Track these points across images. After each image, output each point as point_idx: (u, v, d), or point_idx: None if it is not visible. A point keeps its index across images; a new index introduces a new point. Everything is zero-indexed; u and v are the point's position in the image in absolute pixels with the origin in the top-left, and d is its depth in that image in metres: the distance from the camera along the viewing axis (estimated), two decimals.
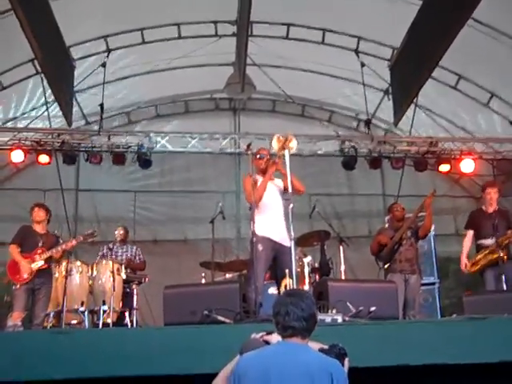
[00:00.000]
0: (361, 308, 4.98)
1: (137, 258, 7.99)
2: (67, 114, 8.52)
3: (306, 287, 7.09)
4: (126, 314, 7.09)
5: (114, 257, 7.53)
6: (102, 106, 8.74)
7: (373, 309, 5.00)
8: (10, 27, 6.74)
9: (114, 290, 6.73)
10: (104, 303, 6.72)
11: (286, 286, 5.42)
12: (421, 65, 7.52)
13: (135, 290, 7.36)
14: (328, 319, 4.72)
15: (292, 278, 5.26)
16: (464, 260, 6.83)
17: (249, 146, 5.97)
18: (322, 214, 7.84)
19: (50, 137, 9.04)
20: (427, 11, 7.04)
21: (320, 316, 4.37)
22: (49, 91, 8.28)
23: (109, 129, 9.74)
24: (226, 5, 8.20)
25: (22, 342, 3.20)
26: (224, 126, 10.78)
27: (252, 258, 5.46)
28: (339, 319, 4.74)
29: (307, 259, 7.58)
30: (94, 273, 6.98)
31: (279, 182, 5.89)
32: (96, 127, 9.20)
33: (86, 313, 6.66)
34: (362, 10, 8.21)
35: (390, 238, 7.05)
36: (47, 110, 8.90)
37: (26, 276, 6.45)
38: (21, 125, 9.54)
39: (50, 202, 9.54)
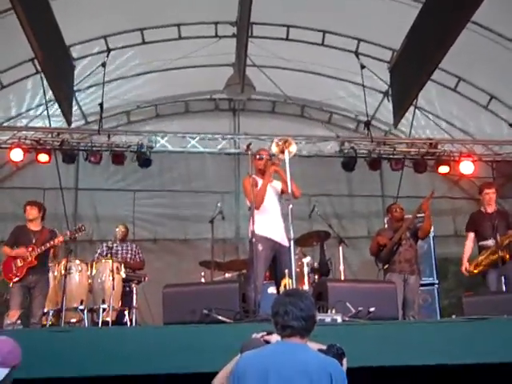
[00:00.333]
0: (360, 308, 4.99)
1: (136, 256, 8.01)
2: (67, 113, 8.52)
3: (306, 287, 7.11)
4: (126, 312, 7.11)
5: (115, 253, 7.53)
6: (101, 105, 8.73)
7: (372, 309, 5.01)
8: (10, 26, 6.74)
9: (113, 289, 6.74)
10: (103, 302, 6.74)
11: (285, 286, 5.43)
12: (420, 67, 7.53)
13: (134, 289, 7.37)
14: (327, 319, 4.74)
15: (291, 278, 5.27)
16: (465, 263, 6.83)
17: (248, 146, 5.98)
18: (322, 214, 7.86)
19: (49, 136, 9.04)
20: (427, 13, 7.05)
21: (319, 316, 4.39)
22: (49, 91, 8.28)
23: (108, 128, 9.74)
24: (226, 6, 8.21)
25: (21, 341, 3.21)
26: (224, 126, 10.79)
27: (251, 257, 5.47)
28: (339, 319, 4.76)
29: (307, 259, 7.60)
30: (94, 271, 6.99)
31: (277, 184, 5.94)
32: (95, 127, 9.20)
33: (86, 311, 6.69)
34: (362, 12, 8.21)
35: (390, 239, 7.06)
36: (47, 109, 8.88)
37: (17, 275, 6.45)
38: (20, 124, 9.55)
39: (49, 201, 9.56)
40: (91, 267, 6.99)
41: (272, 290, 6.65)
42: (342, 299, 5.03)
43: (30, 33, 6.47)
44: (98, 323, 6.62)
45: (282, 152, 5.60)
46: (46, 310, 6.65)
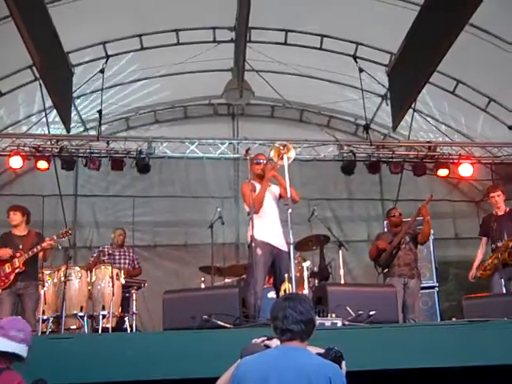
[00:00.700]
0: (360, 312, 4.99)
1: (135, 262, 8.02)
2: (66, 119, 8.52)
3: (306, 291, 7.09)
4: (126, 318, 7.09)
5: (112, 259, 7.51)
6: (100, 111, 8.73)
7: (372, 313, 5.01)
8: (8, 33, 6.74)
9: (113, 295, 6.71)
10: (103, 308, 6.72)
11: (285, 291, 5.43)
12: (419, 70, 7.54)
13: (134, 295, 7.35)
14: (328, 323, 4.73)
15: (291, 283, 5.27)
16: (472, 270, 6.78)
17: (247, 150, 5.99)
18: (321, 218, 7.85)
19: (48, 143, 9.06)
20: (425, 17, 7.06)
21: (320, 320, 4.39)
22: (48, 98, 8.28)
23: (107, 134, 9.74)
24: (224, 11, 8.21)
25: None
26: (223, 131, 10.80)
27: (251, 262, 5.46)
28: (339, 323, 4.75)
29: (306, 263, 7.59)
30: (93, 278, 6.97)
31: (275, 188, 5.93)
32: (94, 133, 9.21)
33: (86, 318, 6.66)
34: (361, 16, 8.23)
35: (389, 243, 7.06)
36: (46, 116, 8.90)
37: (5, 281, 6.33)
38: (19, 131, 9.55)
39: (48, 208, 9.60)
40: (91, 274, 6.97)
41: (272, 294, 6.64)
42: (342, 303, 5.03)
43: (29, 40, 6.47)
44: (98, 330, 6.59)
45: (281, 158, 5.61)
46: (45, 317, 6.61)
